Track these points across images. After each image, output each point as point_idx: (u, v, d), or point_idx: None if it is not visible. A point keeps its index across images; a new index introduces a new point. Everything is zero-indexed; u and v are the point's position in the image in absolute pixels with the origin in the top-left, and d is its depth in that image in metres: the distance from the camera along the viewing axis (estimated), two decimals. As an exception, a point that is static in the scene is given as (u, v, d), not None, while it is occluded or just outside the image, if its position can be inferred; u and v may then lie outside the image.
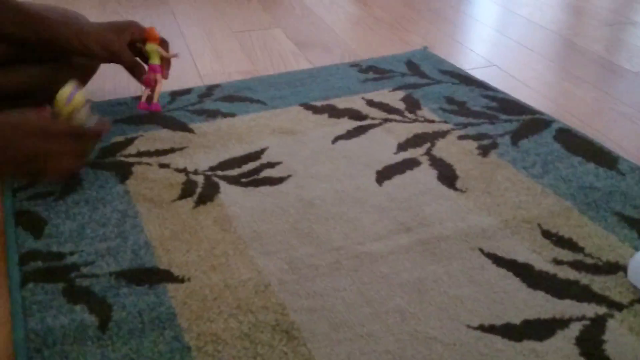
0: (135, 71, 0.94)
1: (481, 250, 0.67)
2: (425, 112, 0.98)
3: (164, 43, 0.96)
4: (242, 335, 0.56)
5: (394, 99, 1.02)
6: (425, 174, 0.82)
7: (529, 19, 1.40)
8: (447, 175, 0.81)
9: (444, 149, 0.88)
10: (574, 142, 0.88)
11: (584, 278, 0.63)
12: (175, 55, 0.97)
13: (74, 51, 0.90)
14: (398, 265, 0.66)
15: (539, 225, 0.71)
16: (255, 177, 0.81)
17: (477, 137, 0.90)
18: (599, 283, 0.62)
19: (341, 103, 1.01)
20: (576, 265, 0.65)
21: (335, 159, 0.85)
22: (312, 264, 0.65)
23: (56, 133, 0.72)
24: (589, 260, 0.66)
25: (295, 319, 0.58)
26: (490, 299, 0.61)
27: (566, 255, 0.66)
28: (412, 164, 0.84)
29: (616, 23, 1.36)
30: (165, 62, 0.96)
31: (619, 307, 0.59)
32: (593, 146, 0.87)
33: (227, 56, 1.23)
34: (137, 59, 0.94)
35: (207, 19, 1.45)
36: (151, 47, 0.93)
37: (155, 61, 0.94)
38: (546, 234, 0.70)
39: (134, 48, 0.94)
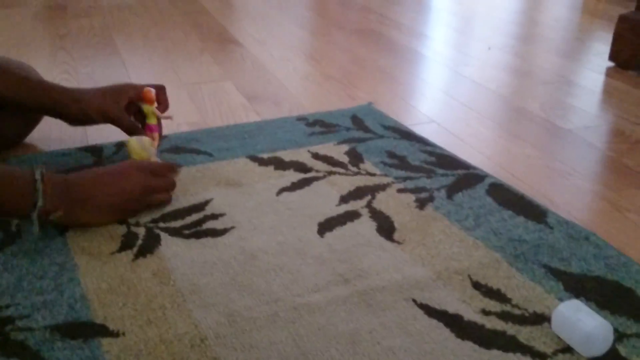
0: (133, 133, 0.97)
1: (414, 301, 0.70)
2: (367, 165, 1.01)
3: (161, 90, 1.00)
4: (174, 390, 0.56)
5: (338, 152, 1.06)
6: (365, 226, 0.84)
7: (472, 78, 1.48)
8: (386, 227, 0.84)
9: (383, 201, 0.91)
10: (505, 197, 0.92)
11: (511, 328, 0.66)
12: (169, 118, 1.02)
13: (71, 117, 0.95)
14: (335, 316, 0.67)
15: (469, 276, 0.74)
16: (198, 228, 0.82)
17: (415, 191, 0.94)
18: (525, 333, 0.65)
19: (287, 155, 1.04)
20: (504, 316, 0.68)
21: (279, 211, 0.87)
22: (250, 317, 0.66)
23: (157, 172, 0.86)
24: (516, 311, 0.69)
25: (230, 373, 0.59)
26: (421, 349, 0.63)
27: (494, 306, 0.69)
28: (353, 216, 0.87)
29: (552, 82, 1.45)
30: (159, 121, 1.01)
31: (543, 357, 0.62)
32: (523, 200, 0.91)
33: (176, 108, 1.25)
34: (134, 120, 0.99)
35: (157, 71, 1.47)
36: (147, 108, 0.98)
37: (152, 121, 0.98)
38: (476, 285, 0.73)
39: (130, 107, 0.98)
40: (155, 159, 0.94)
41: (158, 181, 0.86)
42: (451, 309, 0.69)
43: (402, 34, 1.82)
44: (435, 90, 1.40)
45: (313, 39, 1.81)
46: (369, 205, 0.90)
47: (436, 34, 1.87)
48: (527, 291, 0.72)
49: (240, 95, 1.33)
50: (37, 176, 0.75)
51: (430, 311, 0.68)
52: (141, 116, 1.00)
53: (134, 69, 1.47)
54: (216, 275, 0.73)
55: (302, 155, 1.05)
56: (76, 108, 0.94)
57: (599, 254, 0.79)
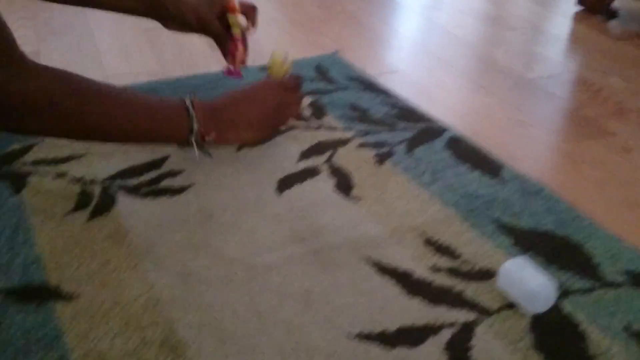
0: (221, 41, 1.00)
1: (368, 258, 0.71)
2: (329, 119, 1.01)
3: (251, 9, 1.02)
4: (127, 354, 0.58)
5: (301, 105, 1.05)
6: (324, 183, 0.85)
7: (440, 24, 1.46)
8: (344, 184, 0.85)
9: (343, 157, 0.91)
10: (463, 151, 0.93)
11: (459, 285, 0.68)
12: (250, 29, 1.03)
13: (168, 17, 0.97)
14: (290, 276, 0.68)
15: (422, 232, 0.76)
16: (155, 186, 0.82)
17: (375, 145, 0.94)
18: (471, 290, 0.68)
19: (248, 108, 1.03)
20: (453, 272, 0.70)
21: (239, 168, 0.87)
22: (205, 278, 0.67)
23: (287, 87, 0.92)
24: (464, 267, 0.71)
25: (184, 335, 0.60)
26: (371, 307, 0.65)
27: (444, 262, 0.71)
28: (312, 172, 0.87)
29: (519, 28, 1.44)
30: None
31: (488, 313, 0.65)
32: (480, 154, 0.92)
33: (135, 56, 1.22)
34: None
35: (118, 16, 1.42)
36: (232, 18, 0.98)
37: (236, 31, 0.99)
38: (428, 242, 0.74)
39: (221, 20, 1.00)
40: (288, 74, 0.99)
41: (289, 95, 0.92)
42: (403, 266, 0.71)
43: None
44: (402, 37, 1.38)
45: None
46: (328, 161, 0.90)
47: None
48: (477, 247, 0.74)
49: (203, 42, 1.29)
50: (188, 103, 0.80)
51: (383, 268, 0.70)
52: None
53: (92, 13, 1.42)
54: (172, 235, 0.73)
55: (263, 107, 1.04)
56: (174, 8, 0.96)
57: (550, 209, 0.81)
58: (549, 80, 1.18)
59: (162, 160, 0.88)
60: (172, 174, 0.85)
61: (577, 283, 0.69)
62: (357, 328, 0.62)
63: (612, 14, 1.53)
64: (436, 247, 0.74)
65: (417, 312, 0.64)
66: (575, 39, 1.40)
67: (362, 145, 0.94)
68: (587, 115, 1.06)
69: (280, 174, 0.86)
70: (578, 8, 1.57)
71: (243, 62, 1.01)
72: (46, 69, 0.69)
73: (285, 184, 0.84)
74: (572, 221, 0.78)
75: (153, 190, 0.81)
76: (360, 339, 0.61)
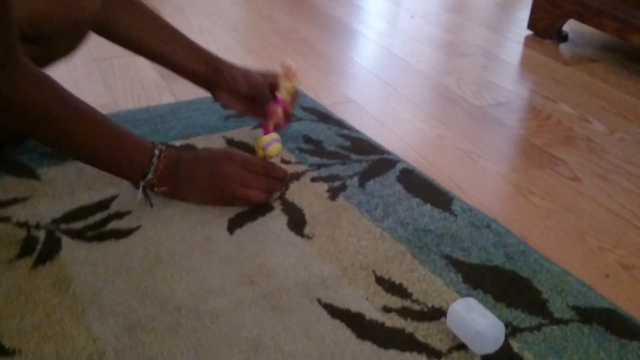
0: (263, 105, 0.99)
1: (319, 301, 0.71)
2: (283, 152, 1.00)
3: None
4: (67, 415, 0.56)
5: (254, 137, 1.04)
6: (276, 221, 0.84)
7: (393, 51, 1.47)
8: (297, 221, 0.84)
9: (296, 192, 0.91)
10: (414, 183, 0.94)
11: (410, 325, 0.68)
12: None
13: (224, 82, 0.98)
14: (239, 322, 0.67)
15: (374, 271, 0.76)
16: (101, 229, 0.80)
17: (328, 179, 0.94)
18: (422, 330, 0.68)
19: (201, 142, 1.02)
20: (403, 312, 0.70)
21: (189, 207, 0.86)
22: (151, 328, 0.66)
23: (253, 165, 0.85)
24: (415, 307, 0.71)
25: (127, 391, 0.59)
26: (321, 352, 0.64)
27: (395, 302, 0.71)
28: (264, 209, 0.86)
29: (470, 55, 1.46)
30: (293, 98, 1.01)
31: (438, 355, 0.65)
32: (431, 187, 0.93)
33: (85, 87, 1.20)
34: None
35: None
36: (288, 82, 0.98)
37: (284, 95, 0.98)
38: (380, 280, 0.74)
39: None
40: (275, 158, 0.96)
41: (255, 180, 0.85)
42: (354, 307, 0.70)
43: (330, 2, 1.79)
44: (358, 65, 1.39)
45: (236, 5, 1.75)
46: (281, 196, 0.89)
47: (364, 2, 1.84)
48: (427, 284, 0.74)
49: (155, 72, 1.28)
50: (157, 151, 0.81)
51: (334, 311, 0.70)
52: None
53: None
54: (118, 282, 0.72)
55: (216, 141, 1.03)
56: (229, 74, 0.97)
57: (498, 242, 0.82)
58: (499, 108, 1.21)
59: (110, 201, 0.86)
60: (120, 215, 0.83)
61: (526, 320, 0.69)
62: (307, 376, 0.61)
63: (562, 38, 1.57)
64: (387, 286, 0.74)
65: (367, 357, 0.64)
66: (526, 65, 1.43)
67: (315, 179, 0.94)
68: (536, 143, 1.08)
69: (232, 212, 0.85)
70: (528, 32, 1.61)
71: (279, 125, 0.98)
72: (43, 75, 0.75)
73: (237, 222, 0.83)
74: (520, 255, 0.80)
75: (99, 233, 0.79)
76: (310, 388, 0.60)
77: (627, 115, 1.19)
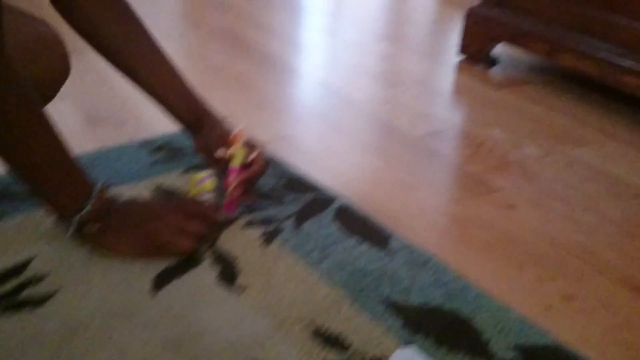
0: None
1: (252, 362, 0.67)
2: (213, 196, 0.96)
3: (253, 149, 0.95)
4: None
5: (183, 182, 1.00)
6: (206, 273, 0.80)
7: (326, 85, 1.46)
8: (229, 273, 0.80)
9: (228, 240, 0.86)
10: (351, 221, 0.91)
11: (349, 381, 0.65)
12: (256, 154, 0.94)
13: (197, 139, 0.97)
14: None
15: (310, 322, 0.72)
16: (15, 298, 0.74)
17: (262, 223, 0.90)
18: (361, 385, 0.64)
19: (126, 191, 0.97)
20: (342, 367, 0.66)
21: (111, 264, 0.80)
22: (66, 408, 0.60)
23: (186, 207, 0.84)
24: (354, 359, 0.68)
25: None
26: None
27: (334, 356, 0.68)
28: (193, 263, 0.82)
29: (403, 84, 1.46)
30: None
31: (378, 410, 0.62)
32: (369, 224, 0.91)
33: (3, 139, 1.12)
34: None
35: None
36: (231, 149, 0.92)
37: (234, 163, 0.91)
38: (317, 333, 0.71)
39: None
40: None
41: (182, 221, 0.82)
42: (289, 365, 0.66)
43: (264, 35, 1.77)
44: (292, 99, 1.37)
45: (164, 41, 1.71)
46: (212, 246, 0.85)
47: (298, 35, 1.83)
48: (367, 333, 0.71)
49: (78, 117, 1.22)
50: (97, 188, 0.79)
51: (268, 372, 0.66)
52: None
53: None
54: (31, 356, 0.65)
55: (142, 190, 0.98)
56: (206, 135, 0.95)
57: (438, 281, 0.80)
58: (434, 137, 1.20)
59: (26, 264, 0.79)
60: (36, 279, 0.77)
61: (468, 364, 0.67)
62: None
63: (492, 62, 1.60)
64: (325, 339, 0.70)
65: (304, 421, 0.60)
66: (458, 91, 1.44)
67: (248, 224, 0.90)
68: (471, 171, 1.08)
69: (157, 269, 0.80)
70: (460, 58, 1.63)
71: (234, 197, 0.90)
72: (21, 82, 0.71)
73: (162, 280, 0.78)
74: (460, 292, 0.77)
75: (13, 303, 0.73)
76: None
77: (560, 137, 1.21)
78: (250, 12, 1.97)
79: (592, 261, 0.85)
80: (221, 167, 0.95)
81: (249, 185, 0.93)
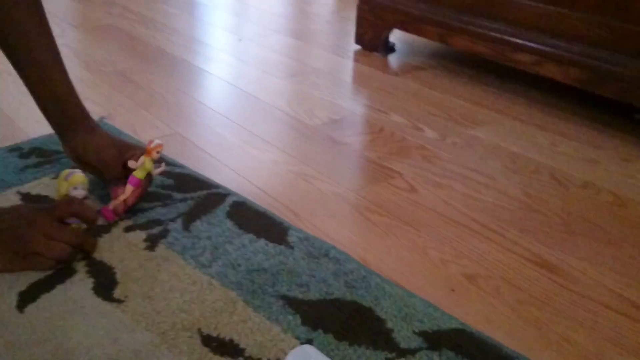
0: (110, 184, 0.86)
1: (131, 380, 0.58)
2: (88, 202, 0.87)
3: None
4: None
5: (55, 188, 0.89)
6: (80, 286, 0.70)
7: (221, 77, 1.38)
8: (105, 284, 0.71)
9: (106, 247, 0.77)
10: (246, 217, 0.84)
11: (242, 390, 0.58)
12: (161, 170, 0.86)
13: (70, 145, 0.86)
14: None
15: (199, 330, 0.65)
16: None
17: (146, 226, 0.82)
18: (256, 393, 0.58)
19: (-11, 201, 0.85)
20: (235, 375, 0.60)
21: (-32, 284, 0.69)
22: None
23: (58, 209, 0.74)
24: (249, 365, 0.61)
25: None
26: None
27: (225, 363, 0.61)
28: (65, 274, 0.72)
29: (300, 74, 1.41)
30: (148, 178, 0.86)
31: (275, 419, 0.55)
32: (265, 218, 0.84)
33: None
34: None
35: None
36: (148, 161, 0.83)
37: (140, 175, 0.83)
38: (206, 340, 0.63)
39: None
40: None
41: (56, 225, 0.73)
42: (175, 380, 0.59)
43: (148, 30, 1.67)
44: (181, 93, 1.28)
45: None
46: (87, 255, 0.76)
47: (192, 30, 1.74)
48: (262, 335, 0.64)
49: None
50: None
51: (149, 390, 0.58)
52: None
53: None
54: None
55: (9, 198, 0.86)
56: (80, 143, 0.85)
57: (338, 271, 0.74)
58: (333, 125, 1.16)
59: None
60: None
61: (371, 358, 0.62)
62: None
63: (389, 49, 1.58)
64: (216, 346, 0.63)
65: None
66: (356, 79, 1.41)
67: (130, 228, 0.81)
68: (370, 157, 1.04)
69: (23, 284, 0.70)
70: (357, 47, 1.60)
71: (117, 212, 0.83)
72: None
73: (29, 296, 0.68)
74: (362, 282, 0.73)
75: None
76: None
77: (457, 119, 1.19)
78: (137, 9, 1.85)
79: (495, 239, 0.83)
80: (96, 173, 0.87)
81: (138, 201, 0.85)
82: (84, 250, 0.75)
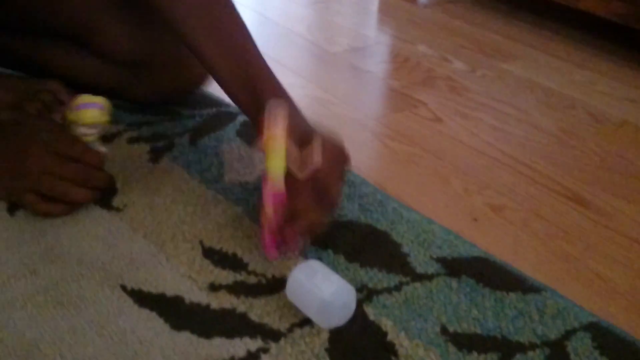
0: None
1: (123, 287, 0.54)
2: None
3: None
4: None
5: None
6: (78, 192, 0.66)
7: (245, 4, 1.31)
8: (104, 192, 0.67)
9: (108, 157, 0.72)
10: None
11: (242, 304, 0.53)
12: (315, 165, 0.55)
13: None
14: (8, 324, 0.49)
15: (200, 242, 0.60)
16: None
17: (151, 139, 0.77)
18: (257, 308, 0.53)
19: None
20: (235, 289, 0.55)
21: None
22: None
23: (60, 145, 0.61)
24: (251, 280, 0.56)
25: None
26: (119, 354, 0.48)
27: (226, 277, 0.56)
28: (62, 180, 0.68)
29: (321, 1, 1.33)
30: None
31: (276, 336, 0.51)
32: (278, 138, 0.79)
33: None
34: None
35: None
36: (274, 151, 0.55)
37: (274, 175, 0.55)
38: (208, 253, 0.59)
39: None
40: (89, 139, 0.64)
41: (68, 169, 0.60)
42: (171, 290, 0.54)
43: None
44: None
45: None
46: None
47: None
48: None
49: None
50: None
51: (143, 298, 0.53)
52: None
53: None
54: None
55: (9, 104, 0.82)
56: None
57: (353, 194, 0.69)
58: (355, 53, 1.09)
59: None
60: None
61: (384, 280, 0.57)
62: (96, 390, 0.45)
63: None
64: (218, 259, 0.58)
65: (182, 352, 0.49)
66: (383, 10, 1.32)
67: (133, 139, 0.76)
68: (394, 86, 0.97)
69: (18, 187, 0.66)
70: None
71: (273, 228, 0.55)
72: None
73: (23, 199, 0.64)
74: (378, 206, 0.67)
75: None
76: (97, 407, 0.44)
77: (489, 52, 1.12)
78: None
79: (525, 172, 0.77)
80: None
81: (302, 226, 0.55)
82: (94, 188, 0.63)
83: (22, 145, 0.61)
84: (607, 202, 0.72)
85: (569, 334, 0.53)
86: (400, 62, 1.06)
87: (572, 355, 0.51)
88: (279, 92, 0.62)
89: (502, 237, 0.65)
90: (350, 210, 0.66)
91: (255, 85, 0.61)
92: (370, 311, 0.54)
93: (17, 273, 0.55)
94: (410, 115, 0.89)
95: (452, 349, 0.50)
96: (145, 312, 0.52)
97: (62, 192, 0.60)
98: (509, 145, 0.83)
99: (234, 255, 0.59)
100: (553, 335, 0.53)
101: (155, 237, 0.60)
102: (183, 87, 0.83)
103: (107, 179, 0.64)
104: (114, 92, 0.76)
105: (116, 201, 0.65)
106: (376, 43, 1.14)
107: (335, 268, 0.58)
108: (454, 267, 0.59)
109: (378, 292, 0.56)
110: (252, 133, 0.66)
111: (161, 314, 0.52)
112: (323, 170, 0.55)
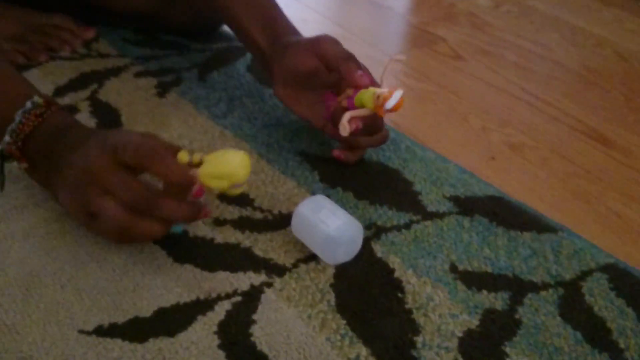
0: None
1: (127, 220, 0.53)
2: (101, 45, 0.79)
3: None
4: None
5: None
6: (83, 126, 0.65)
7: None
8: (108, 125, 0.65)
9: (113, 90, 0.71)
10: (268, 71, 0.76)
11: (247, 239, 0.52)
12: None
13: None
14: (6, 259, 0.49)
15: (206, 178, 0.59)
16: None
17: (158, 73, 0.75)
18: (262, 243, 0.52)
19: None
20: (241, 224, 0.54)
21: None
22: None
23: (102, 160, 0.45)
24: (257, 215, 0.55)
25: None
26: (117, 289, 0.47)
27: (232, 212, 0.55)
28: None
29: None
30: None
31: (281, 271, 0.50)
32: (289, 74, 0.76)
33: None
34: None
35: None
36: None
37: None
38: (213, 188, 0.58)
39: None
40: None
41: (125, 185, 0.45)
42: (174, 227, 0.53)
43: None
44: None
45: None
46: (92, 96, 0.69)
47: None
48: (275, 188, 0.58)
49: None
50: (29, 103, 0.49)
51: (146, 231, 0.52)
52: None
53: None
54: None
55: (15, 38, 0.80)
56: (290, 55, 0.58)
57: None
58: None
59: None
60: None
61: (393, 218, 0.55)
62: (95, 321, 0.44)
63: None
64: (223, 195, 0.57)
65: (185, 285, 0.48)
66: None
67: (140, 74, 0.74)
68: (414, 22, 0.93)
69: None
70: None
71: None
72: None
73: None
74: (390, 143, 0.65)
75: None
76: (99, 335, 0.43)
77: (514, -11, 1.06)
78: None
79: (547, 110, 0.73)
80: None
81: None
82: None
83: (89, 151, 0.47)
84: (631, 142, 0.68)
85: (584, 275, 0.51)
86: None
87: (587, 296, 0.49)
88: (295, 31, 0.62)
89: (519, 176, 0.63)
90: (361, 147, 0.64)
91: (275, 26, 0.61)
92: (377, 248, 0.52)
93: (20, 204, 0.54)
94: (428, 52, 0.85)
95: (461, 286, 0.49)
96: (147, 245, 0.51)
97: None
98: (532, 83, 0.79)
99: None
100: (568, 276, 0.51)
101: (160, 172, 0.59)
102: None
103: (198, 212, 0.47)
104: (146, 19, 0.72)
105: (121, 135, 0.64)
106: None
107: (343, 205, 0.56)
108: (467, 205, 0.57)
109: (387, 230, 0.54)
110: (263, 70, 0.64)
111: (164, 246, 0.51)
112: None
